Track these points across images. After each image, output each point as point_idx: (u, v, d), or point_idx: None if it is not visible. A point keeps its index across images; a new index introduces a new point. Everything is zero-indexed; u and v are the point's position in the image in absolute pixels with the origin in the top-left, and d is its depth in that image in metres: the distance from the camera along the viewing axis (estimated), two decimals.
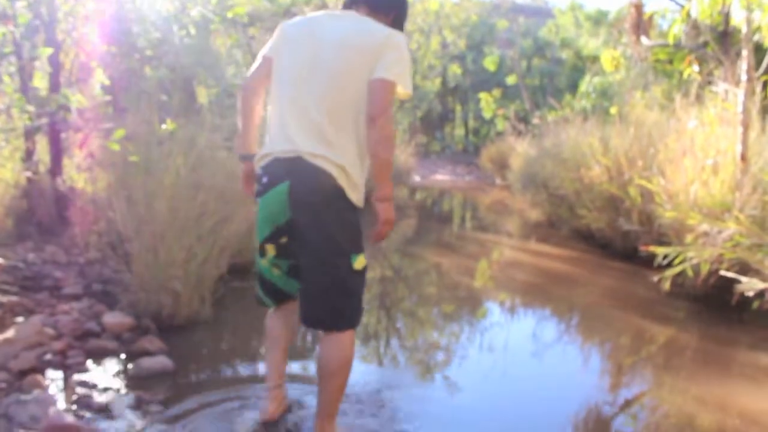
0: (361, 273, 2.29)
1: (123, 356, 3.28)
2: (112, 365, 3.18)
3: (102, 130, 5.01)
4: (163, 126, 4.64)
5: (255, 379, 3.13)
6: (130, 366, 3.16)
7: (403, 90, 2.24)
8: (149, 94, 6.17)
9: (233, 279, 4.48)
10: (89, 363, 3.15)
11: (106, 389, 2.89)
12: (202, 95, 8.25)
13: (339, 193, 2.18)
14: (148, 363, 3.15)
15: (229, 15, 6.64)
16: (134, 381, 3.01)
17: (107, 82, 5.50)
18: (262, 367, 3.29)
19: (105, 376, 3.04)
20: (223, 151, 4.86)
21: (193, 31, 5.96)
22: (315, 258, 2.21)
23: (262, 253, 2.38)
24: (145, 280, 3.75)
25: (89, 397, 2.76)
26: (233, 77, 9.05)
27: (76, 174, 5.65)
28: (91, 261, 4.76)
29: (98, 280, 4.35)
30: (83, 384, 2.91)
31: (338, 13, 2.39)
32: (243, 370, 3.29)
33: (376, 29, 2.25)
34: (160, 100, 6.19)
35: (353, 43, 2.21)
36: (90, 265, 4.67)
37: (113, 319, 3.60)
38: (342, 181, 2.18)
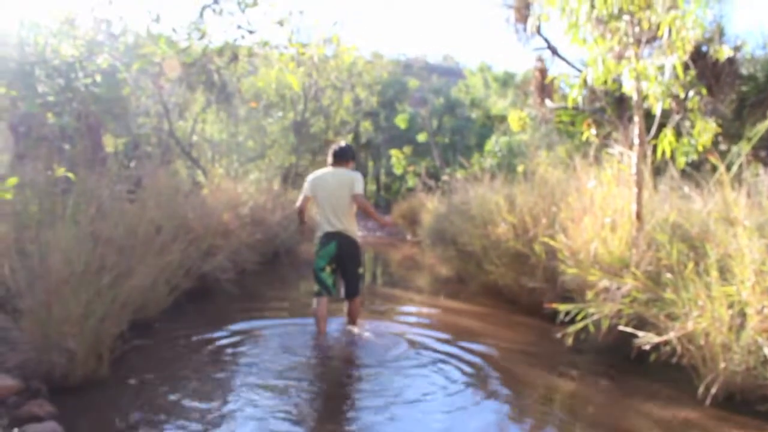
0: (363, 272, 5.72)
1: (7, 423, 3.03)
2: None
3: None
4: (56, 174, 4.44)
5: None
6: None
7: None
8: (50, 141, 5.92)
9: (135, 336, 4.27)
10: None
11: None
12: (110, 145, 7.99)
13: (355, 241, 5.44)
14: (36, 429, 2.93)
15: (136, 67, 6.50)
16: None
17: None
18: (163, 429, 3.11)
19: None
20: (126, 203, 4.69)
21: (99, 78, 5.79)
22: (350, 270, 5.43)
23: (323, 270, 5.32)
24: (37, 338, 3.52)
25: None
26: (143, 127, 8.85)
27: None
28: None
29: None
30: None
31: (332, 170, 5.46)
32: None
33: (349, 176, 5.39)
34: (62, 148, 5.94)
35: (344, 184, 5.34)
36: None
37: None
38: (353, 235, 5.43)
